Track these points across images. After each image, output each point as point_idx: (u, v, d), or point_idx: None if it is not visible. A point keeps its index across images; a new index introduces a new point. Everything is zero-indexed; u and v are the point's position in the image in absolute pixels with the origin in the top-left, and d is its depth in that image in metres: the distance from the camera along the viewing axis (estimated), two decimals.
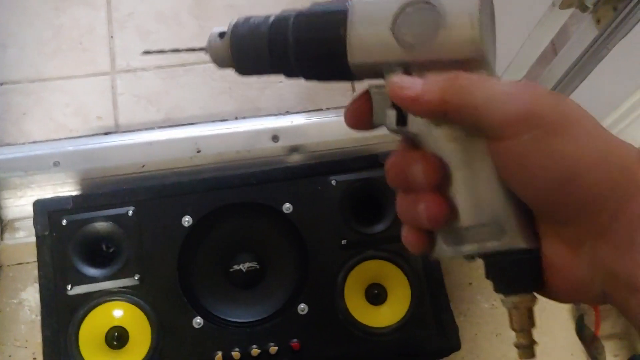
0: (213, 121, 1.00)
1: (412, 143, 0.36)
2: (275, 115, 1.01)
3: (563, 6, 0.81)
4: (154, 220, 0.80)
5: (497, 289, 0.34)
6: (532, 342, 0.34)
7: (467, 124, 0.33)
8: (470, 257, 0.35)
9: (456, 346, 0.79)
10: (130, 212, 0.80)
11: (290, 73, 0.39)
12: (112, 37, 1.06)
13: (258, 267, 0.81)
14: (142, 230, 0.79)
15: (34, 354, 0.91)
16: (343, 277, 0.80)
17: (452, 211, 0.34)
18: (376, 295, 0.81)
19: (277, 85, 1.04)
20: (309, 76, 0.39)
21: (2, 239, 0.95)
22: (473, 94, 0.32)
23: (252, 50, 0.38)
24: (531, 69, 1.01)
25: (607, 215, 0.31)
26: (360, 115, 0.38)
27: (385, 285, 0.81)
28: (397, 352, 0.78)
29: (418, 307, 0.79)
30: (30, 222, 0.95)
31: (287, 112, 1.02)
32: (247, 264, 0.81)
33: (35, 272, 0.95)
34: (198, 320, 0.77)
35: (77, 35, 1.06)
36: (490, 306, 0.98)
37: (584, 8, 0.80)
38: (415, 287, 0.80)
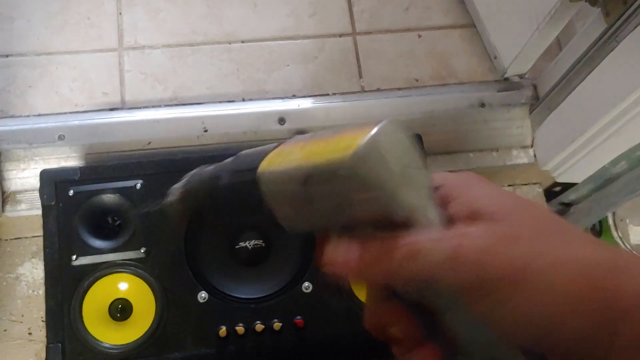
0: (220, 102, 1.01)
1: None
2: (282, 98, 1.02)
3: None
4: (162, 194, 0.79)
5: None
6: None
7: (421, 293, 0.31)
8: None
9: None
10: (138, 185, 0.80)
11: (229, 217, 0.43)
12: (120, 13, 1.06)
13: (263, 245, 0.81)
14: (150, 204, 0.79)
15: (29, 329, 0.91)
16: None
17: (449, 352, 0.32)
18: None
19: (285, 68, 1.05)
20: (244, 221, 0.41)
21: (3, 211, 0.95)
22: (415, 263, 0.30)
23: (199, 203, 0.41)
24: (537, 62, 1.02)
25: (602, 350, 0.28)
26: None
27: None
28: None
29: None
30: (32, 195, 0.95)
31: (294, 96, 1.02)
32: (252, 242, 0.81)
33: (33, 248, 0.95)
34: (203, 295, 0.77)
35: (85, 11, 1.05)
36: None
37: (593, 2, 0.82)
38: None
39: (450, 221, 0.32)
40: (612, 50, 0.81)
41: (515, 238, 0.29)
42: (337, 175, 0.30)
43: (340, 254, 0.32)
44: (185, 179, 0.43)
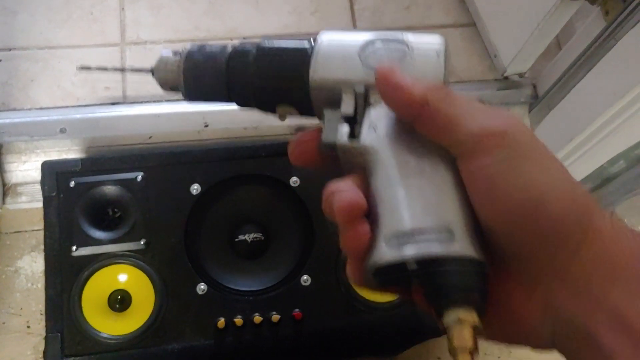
0: None
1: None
2: None
3: None
4: (163, 186, 0.80)
5: (438, 304, 0.30)
6: None
7: (436, 134, 0.32)
8: (406, 272, 0.31)
9: None
10: (139, 178, 0.80)
11: (244, 103, 0.39)
12: (123, 9, 1.07)
13: (263, 238, 0.82)
14: (150, 195, 0.80)
15: (27, 322, 0.91)
16: None
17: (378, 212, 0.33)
18: None
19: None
20: (263, 106, 0.39)
21: (3, 203, 0.95)
22: (453, 103, 0.32)
23: (206, 78, 0.38)
24: (536, 62, 1.03)
25: (566, 254, 0.30)
26: (307, 148, 0.38)
27: None
28: (398, 326, 0.79)
29: None
30: (33, 188, 0.95)
31: None
32: (252, 235, 0.81)
33: (33, 241, 0.96)
34: (202, 287, 0.77)
35: (88, 5, 1.06)
36: None
37: (593, 0, 0.82)
38: None
39: None
40: (611, 48, 0.82)
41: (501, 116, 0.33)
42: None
43: (398, 69, 0.34)
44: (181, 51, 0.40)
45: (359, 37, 0.36)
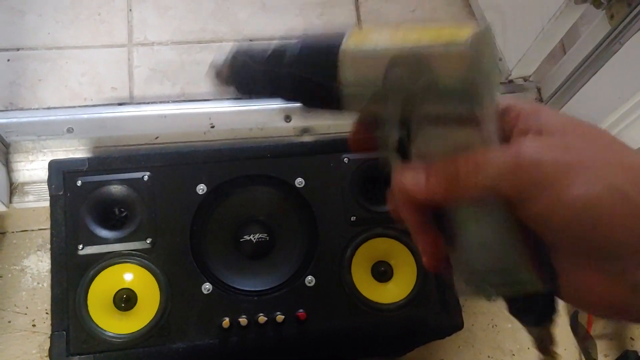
0: (227, 98, 1.02)
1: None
2: None
3: (578, 1, 0.83)
4: (169, 186, 0.81)
5: (521, 322, 0.37)
6: (555, 356, 0.37)
7: (479, 199, 0.33)
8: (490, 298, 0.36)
9: (459, 325, 0.81)
10: (146, 177, 0.81)
11: (286, 95, 0.39)
12: (130, 9, 1.07)
13: (268, 238, 0.82)
14: (157, 195, 0.80)
15: (33, 320, 0.92)
16: (351, 252, 0.81)
17: (456, 255, 0.36)
18: (382, 272, 0.82)
19: None
20: (300, 96, 0.39)
21: (10, 202, 0.96)
22: (476, 179, 0.32)
23: (250, 78, 0.39)
24: (541, 65, 1.03)
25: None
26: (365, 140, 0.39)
27: (392, 263, 0.83)
28: (401, 328, 0.79)
29: (423, 286, 0.81)
30: (40, 187, 0.96)
31: None
32: (257, 235, 0.82)
33: (39, 241, 0.96)
34: (207, 287, 0.78)
35: (96, 6, 1.07)
36: None
37: (598, 4, 0.83)
38: (421, 266, 0.81)
39: (508, 138, 0.34)
40: (616, 52, 0.82)
41: (573, 144, 0.31)
42: (450, 54, 0.31)
43: (408, 179, 0.34)
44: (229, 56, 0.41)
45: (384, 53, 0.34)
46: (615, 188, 0.30)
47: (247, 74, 0.39)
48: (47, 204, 0.81)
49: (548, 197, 0.30)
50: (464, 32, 0.31)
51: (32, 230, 0.97)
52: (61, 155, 0.96)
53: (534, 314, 0.35)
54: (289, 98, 0.39)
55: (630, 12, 0.78)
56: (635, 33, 0.78)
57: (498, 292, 0.35)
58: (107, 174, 0.81)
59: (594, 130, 0.33)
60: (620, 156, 0.31)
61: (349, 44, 0.35)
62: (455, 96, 0.32)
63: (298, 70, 0.37)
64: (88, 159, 0.82)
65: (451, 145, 0.33)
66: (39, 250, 0.95)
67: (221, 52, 0.40)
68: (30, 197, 0.96)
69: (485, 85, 0.32)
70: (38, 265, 0.95)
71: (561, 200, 0.30)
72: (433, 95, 0.32)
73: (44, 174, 0.83)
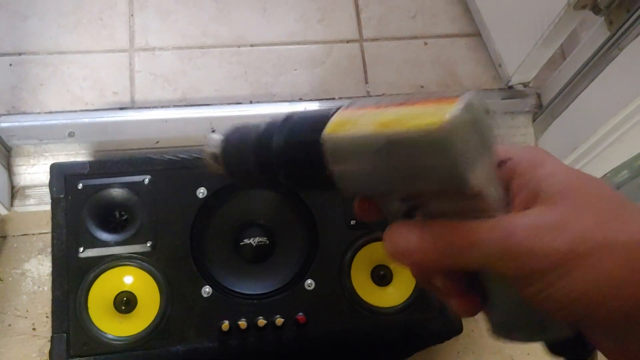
0: (228, 103, 1.02)
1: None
2: (289, 101, 1.03)
3: (577, 7, 0.83)
4: (169, 190, 0.81)
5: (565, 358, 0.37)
6: None
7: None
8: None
9: (459, 329, 0.81)
10: (146, 181, 0.81)
11: (276, 187, 0.39)
12: (132, 15, 1.08)
13: (268, 242, 0.82)
14: (157, 198, 0.80)
15: (33, 324, 0.92)
16: (350, 256, 0.81)
17: (487, 307, 0.35)
18: (382, 276, 0.83)
19: (292, 72, 1.06)
20: (295, 187, 0.37)
21: (12, 206, 0.96)
22: (470, 254, 0.31)
23: (244, 170, 0.38)
24: (540, 71, 1.04)
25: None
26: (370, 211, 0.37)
27: (391, 267, 0.83)
28: (401, 331, 0.79)
29: (423, 290, 0.81)
30: (41, 191, 0.96)
31: (301, 99, 1.04)
32: (257, 239, 0.82)
33: (40, 244, 0.97)
34: (207, 290, 0.78)
35: (98, 11, 1.08)
36: None
37: (597, 10, 0.83)
38: None
39: (509, 201, 0.33)
40: (615, 58, 0.82)
41: (565, 223, 0.30)
42: (422, 143, 0.30)
43: (401, 242, 0.33)
44: (223, 135, 0.39)
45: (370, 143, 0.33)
46: (613, 278, 0.29)
47: (240, 165, 0.38)
48: (48, 207, 0.81)
49: (541, 284, 0.30)
50: (441, 115, 0.30)
51: (33, 234, 0.97)
52: (62, 159, 0.96)
53: (569, 354, 0.35)
54: (283, 190, 0.39)
55: (629, 18, 0.78)
56: (634, 39, 0.78)
57: (531, 340, 0.35)
58: (108, 177, 0.81)
59: (597, 190, 0.31)
60: (626, 230, 0.30)
61: (330, 135, 0.34)
62: (444, 176, 0.31)
63: (285, 164, 0.36)
64: (89, 162, 0.82)
65: (452, 214, 0.32)
66: (39, 254, 0.96)
67: (216, 131, 0.39)
68: (32, 201, 0.96)
69: (473, 159, 0.31)
70: (39, 269, 0.95)
71: (556, 289, 0.29)
72: (422, 176, 0.31)
73: (45, 177, 0.83)
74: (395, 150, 0.31)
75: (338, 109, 0.35)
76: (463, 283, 0.34)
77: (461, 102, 0.30)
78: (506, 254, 0.30)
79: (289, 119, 0.37)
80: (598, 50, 0.86)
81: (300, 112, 0.36)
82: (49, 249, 0.79)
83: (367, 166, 0.32)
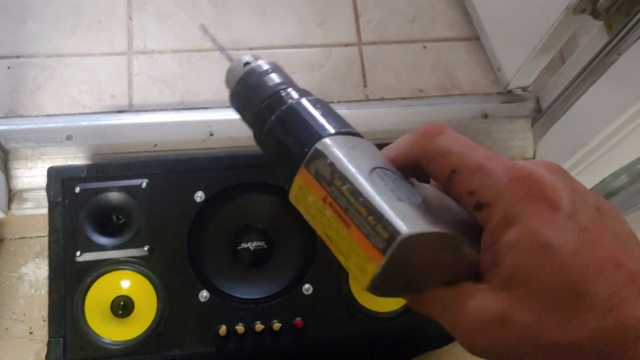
0: (227, 107, 1.02)
1: None
2: None
3: (576, 11, 0.83)
4: (167, 193, 0.81)
5: None
6: None
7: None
8: None
9: None
10: (144, 184, 0.81)
11: (258, 141, 0.39)
12: (130, 18, 1.08)
13: (265, 246, 0.82)
14: (155, 202, 0.80)
15: (30, 328, 0.92)
16: None
17: None
18: None
19: (291, 76, 1.06)
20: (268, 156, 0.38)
21: (9, 209, 0.96)
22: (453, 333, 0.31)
23: (248, 103, 0.40)
24: (539, 75, 1.04)
25: None
26: None
27: None
28: (399, 336, 0.79)
29: None
30: (38, 194, 0.96)
31: None
32: (255, 243, 0.82)
33: (37, 248, 0.96)
34: (204, 294, 0.78)
35: (96, 14, 1.07)
36: None
37: (596, 14, 0.83)
38: None
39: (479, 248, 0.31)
40: (614, 62, 0.82)
41: (511, 316, 0.28)
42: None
43: None
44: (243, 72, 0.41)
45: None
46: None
47: (246, 105, 0.40)
48: (45, 211, 0.81)
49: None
50: (364, 279, 0.30)
51: (30, 238, 0.97)
52: (60, 162, 0.96)
53: None
54: (267, 156, 0.39)
55: (628, 23, 0.78)
56: (633, 43, 0.78)
57: None
58: (106, 181, 0.81)
59: (557, 277, 0.28)
60: (575, 326, 0.27)
61: (294, 197, 0.35)
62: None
63: (267, 146, 0.37)
64: (87, 166, 0.82)
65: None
66: (37, 257, 0.95)
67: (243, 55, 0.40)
68: (29, 204, 0.96)
69: (420, 279, 0.31)
70: (36, 272, 0.95)
71: None
72: None
73: (42, 181, 0.83)
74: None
75: (318, 140, 0.34)
76: None
77: (383, 260, 0.29)
78: (472, 346, 0.30)
79: (291, 108, 0.37)
80: (597, 55, 0.86)
81: (299, 108, 0.37)
82: (47, 253, 0.79)
83: None
